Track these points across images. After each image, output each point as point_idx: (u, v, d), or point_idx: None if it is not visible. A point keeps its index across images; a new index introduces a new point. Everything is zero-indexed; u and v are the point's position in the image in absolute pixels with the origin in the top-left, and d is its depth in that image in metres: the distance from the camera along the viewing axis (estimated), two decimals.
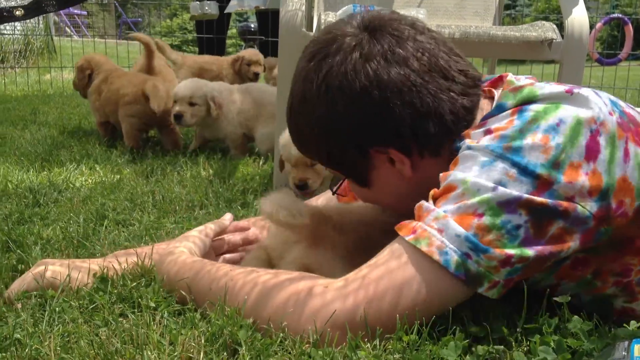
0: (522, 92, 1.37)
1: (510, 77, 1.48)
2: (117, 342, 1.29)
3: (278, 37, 2.62)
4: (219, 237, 1.80)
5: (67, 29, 12.79)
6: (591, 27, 10.16)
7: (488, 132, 1.35)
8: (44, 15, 6.48)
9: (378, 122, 1.42)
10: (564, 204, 1.26)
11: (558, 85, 1.38)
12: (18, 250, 1.85)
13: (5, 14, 2.48)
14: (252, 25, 12.09)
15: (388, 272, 1.30)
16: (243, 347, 1.27)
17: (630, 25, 11.05)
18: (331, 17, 2.50)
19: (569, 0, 2.61)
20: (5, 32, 7.89)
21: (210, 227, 1.78)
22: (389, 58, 1.41)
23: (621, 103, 1.39)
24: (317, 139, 1.50)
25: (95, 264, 1.64)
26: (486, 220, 1.25)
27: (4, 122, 4.42)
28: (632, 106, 1.43)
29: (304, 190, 2.42)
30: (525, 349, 1.28)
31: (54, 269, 1.58)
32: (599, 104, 1.32)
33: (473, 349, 1.27)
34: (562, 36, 2.55)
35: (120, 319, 1.41)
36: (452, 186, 1.31)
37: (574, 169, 1.27)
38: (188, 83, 3.68)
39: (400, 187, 1.51)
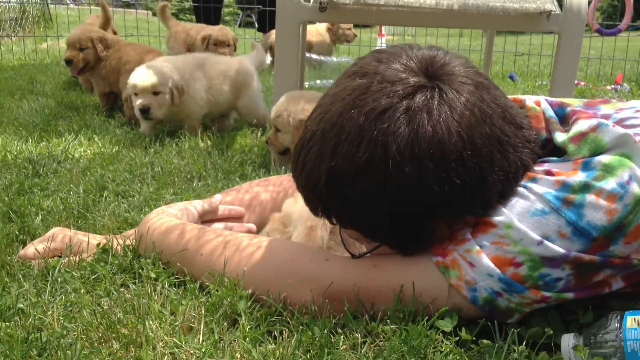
0: (587, 141, 1.25)
1: (550, 114, 1.38)
2: (119, 312, 1.32)
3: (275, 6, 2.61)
4: (209, 219, 1.81)
5: None
6: None
7: (549, 173, 1.25)
8: None
9: (470, 193, 1.22)
10: (617, 260, 1.22)
11: (618, 126, 1.26)
12: (19, 220, 1.86)
13: None
14: None
15: (402, 276, 1.30)
16: (243, 317, 1.30)
17: None
18: None
19: None
20: (1, 0, 7.82)
21: (200, 202, 1.80)
22: (476, 114, 1.21)
23: None
24: (376, 210, 1.24)
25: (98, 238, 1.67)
26: (523, 270, 1.21)
27: (2, 92, 4.41)
28: None
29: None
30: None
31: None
32: None
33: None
34: (561, 8, 2.54)
35: (122, 290, 1.43)
36: (494, 224, 1.24)
37: (638, 229, 1.19)
38: (146, 71, 3.18)
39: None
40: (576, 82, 5.77)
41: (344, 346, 1.23)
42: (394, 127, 1.19)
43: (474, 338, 1.24)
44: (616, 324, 1.14)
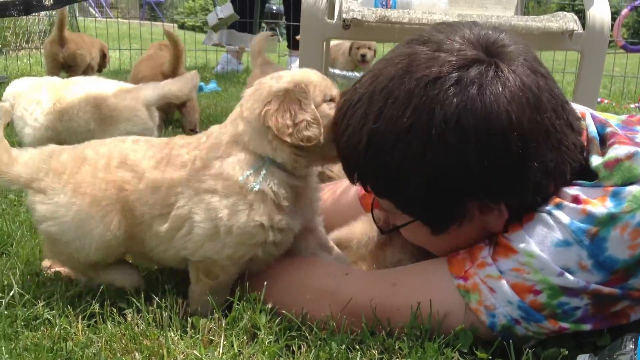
0: (621, 168, 1.23)
1: (592, 131, 1.34)
2: (142, 324, 1.35)
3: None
4: None
5: (90, 9, 12.87)
6: (617, 13, 9.99)
7: (576, 200, 1.23)
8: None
9: (509, 176, 1.21)
10: (636, 293, 1.23)
11: None
12: None
13: (34, 2, 2.53)
14: (274, 7, 12.02)
15: (422, 297, 1.32)
16: (262, 331, 1.32)
17: None
18: (353, 6, 2.52)
19: None
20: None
21: None
22: (529, 98, 1.20)
23: None
24: (413, 179, 1.23)
25: None
26: (542, 298, 1.22)
27: None
28: None
29: None
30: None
31: None
32: None
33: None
34: (584, 27, 2.54)
35: (145, 302, 1.46)
36: (516, 250, 1.24)
37: None
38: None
39: (472, 237, 1.33)
40: (599, 99, 5.75)
41: None
42: (443, 96, 1.18)
43: (490, 357, 1.25)
44: (631, 346, 1.14)
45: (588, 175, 1.29)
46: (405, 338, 1.28)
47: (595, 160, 1.28)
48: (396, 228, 1.37)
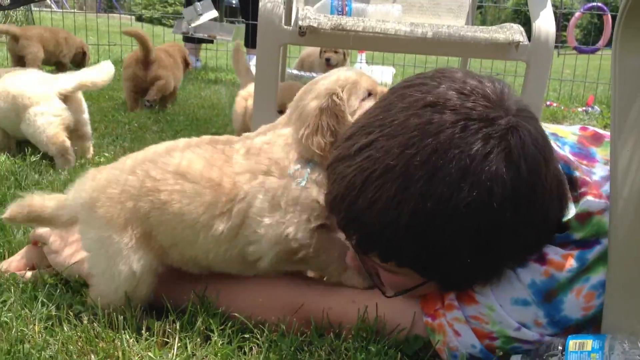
0: (592, 222, 1.28)
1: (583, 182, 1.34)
2: (98, 327, 1.40)
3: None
4: None
5: (47, 0, 12.64)
6: (571, 14, 10.17)
7: (542, 259, 1.29)
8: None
9: (537, 242, 1.30)
10: None
11: None
12: (1, 234, 1.92)
13: None
14: (234, 1, 11.91)
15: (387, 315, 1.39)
16: (215, 333, 1.38)
17: (609, 15, 11.19)
18: (310, 13, 2.58)
19: (538, 3, 2.72)
20: None
21: None
22: (546, 161, 1.25)
23: None
24: (463, 252, 1.22)
25: None
26: (498, 343, 1.30)
27: None
28: None
29: None
30: None
31: None
32: None
33: None
34: (530, 38, 2.65)
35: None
36: (478, 301, 1.31)
37: None
38: None
39: None
40: (549, 103, 5.94)
41: None
42: (497, 171, 1.17)
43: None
44: (560, 347, 1.24)
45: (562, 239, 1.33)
46: (351, 340, 1.36)
47: (569, 209, 1.33)
48: (407, 291, 1.36)
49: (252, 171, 1.41)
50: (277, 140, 1.46)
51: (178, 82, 4.82)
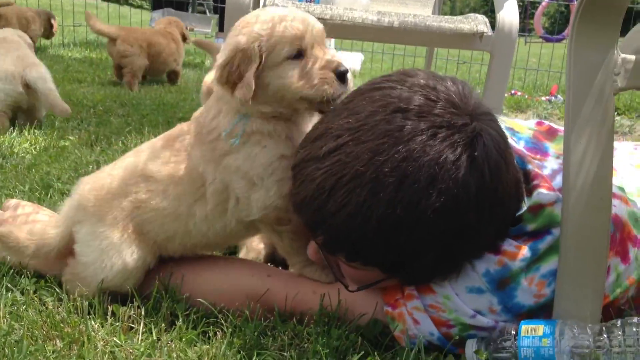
0: (543, 214, 1.33)
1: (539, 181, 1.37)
2: (63, 312, 1.41)
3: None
4: None
5: None
6: (538, 2, 10.28)
7: (496, 250, 1.33)
8: None
9: (491, 240, 1.34)
10: None
11: None
12: None
13: None
14: None
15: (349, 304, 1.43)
16: (180, 319, 1.40)
17: (576, 3, 11.35)
18: (278, 0, 2.59)
19: None
20: None
21: None
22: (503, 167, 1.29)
23: None
24: (429, 254, 1.28)
25: None
26: (454, 331, 1.34)
27: None
28: None
29: None
30: None
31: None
32: None
33: None
34: (493, 28, 2.70)
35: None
36: (435, 291, 1.35)
37: None
38: None
39: None
40: (513, 91, 6.03)
41: (273, 347, 1.35)
42: (465, 178, 1.21)
43: (390, 343, 1.38)
44: (512, 332, 1.29)
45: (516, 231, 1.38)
46: (313, 325, 1.39)
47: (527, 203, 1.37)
48: (369, 285, 1.39)
49: (207, 159, 1.44)
50: (212, 103, 1.47)
51: (180, 57, 5.19)
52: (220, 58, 1.38)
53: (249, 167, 1.40)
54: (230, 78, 1.35)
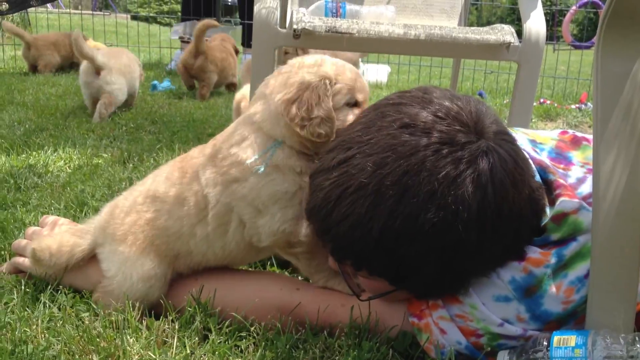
0: (567, 222, 1.34)
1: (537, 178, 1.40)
2: (99, 327, 1.44)
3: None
4: None
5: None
6: (566, 10, 10.19)
7: (520, 257, 1.33)
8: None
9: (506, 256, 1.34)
10: None
11: None
12: (2, 236, 1.96)
13: None
14: (229, 0, 11.88)
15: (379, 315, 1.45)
16: (213, 332, 1.42)
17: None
18: (305, 17, 2.62)
19: (528, 4, 2.76)
20: None
21: None
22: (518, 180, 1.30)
23: None
24: (430, 267, 1.29)
25: None
26: (484, 340, 1.35)
27: None
28: None
29: None
30: None
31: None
32: None
33: None
34: (520, 37, 2.69)
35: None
36: (461, 301, 1.35)
37: None
38: None
39: None
40: (542, 100, 5.98)
41: None
42: (464, 194, 1.22)
43: (421, 355, 1.38)
44: (545, 342, 1.28)
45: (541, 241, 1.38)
46: (344, 338, 1.40)
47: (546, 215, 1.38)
48: (381, 295, 1.40)
49: (215, 183, 1.51)
50: (235, 130, 1.52)
51: (236, 69, 5.74)
52: (285, 95, 1.44)
53: (254, 196, 1.46)
54: (299, 113, 1.42)
